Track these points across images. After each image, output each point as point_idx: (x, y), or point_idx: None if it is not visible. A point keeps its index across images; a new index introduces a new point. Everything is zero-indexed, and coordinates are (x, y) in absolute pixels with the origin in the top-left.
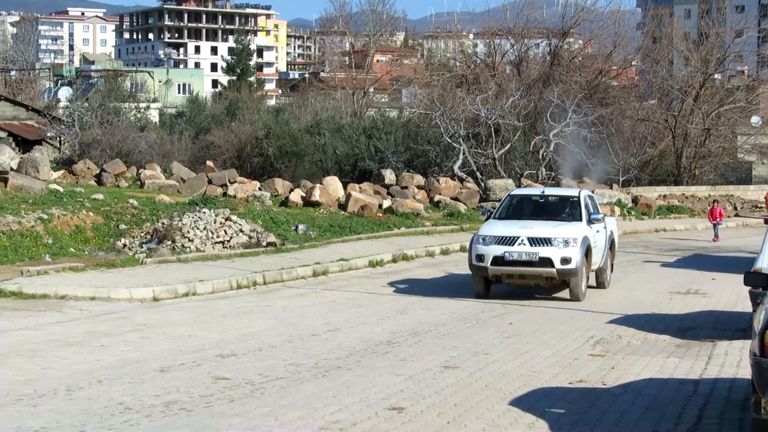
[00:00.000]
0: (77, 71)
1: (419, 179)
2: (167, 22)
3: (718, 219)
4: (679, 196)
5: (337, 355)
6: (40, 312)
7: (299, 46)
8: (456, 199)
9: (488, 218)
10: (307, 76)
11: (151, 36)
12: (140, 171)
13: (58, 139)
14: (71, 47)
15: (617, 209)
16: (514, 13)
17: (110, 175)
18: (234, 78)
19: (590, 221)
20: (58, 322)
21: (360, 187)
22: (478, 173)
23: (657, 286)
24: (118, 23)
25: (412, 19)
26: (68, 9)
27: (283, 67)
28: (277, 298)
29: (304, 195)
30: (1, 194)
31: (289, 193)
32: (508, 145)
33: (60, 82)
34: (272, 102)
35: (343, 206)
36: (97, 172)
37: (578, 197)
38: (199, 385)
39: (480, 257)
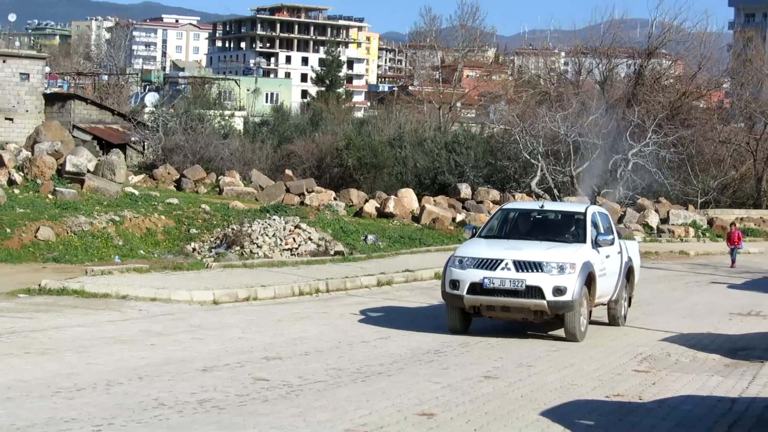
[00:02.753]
0: (165, 77)
1: (495, 194)
2: (259, 32)
3: (737, 243)
4: (757, 220)
5: (381, 361)
6: (99, 311)
7: (390, 59)
8: None
9: (472, 236)
10: (395, 89)
11: (243, 45)
12: (220, 178)
13: (141, 143)
14: (164, 54)
15: (691, 230)
16: (601, 32)
17: (190, 181)
18: (323, 89)
19: (596, 243)
20: (114, 321)
21: (434, 200)
22: (555, 190)
23: (718, 307)
24: (211, 31)
25: (505, 36)
26: (162, 16)
27: (373, 80)
28: (337, 305)
29: (378, 206)
30: (76, 195)
31: (364, 203)
32: (587, 163)
33: (148, 87)
34: (360, 114)
35: (416, 218)
36: (177, 177)
37: (584, 214)
38: (237, 385)
39: (454, 284)
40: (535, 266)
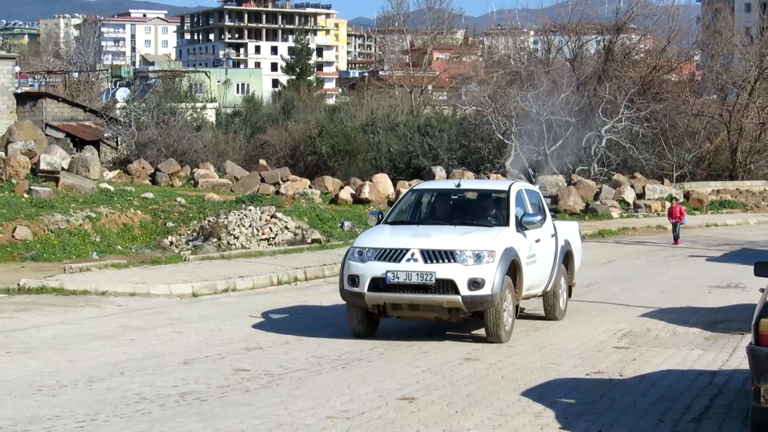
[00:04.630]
0: (135, 72)
1: (470, 176)
2: (227, 23)
3: (678, 218)
4: (733, 191)
5: (362, 347)
6: (79, 307)
7: (360, 45)
8: None
9: (378, 222)
10: (366, 74)
11: (211, 36)
12: (194, 170)
13: (115, 139)
14: (133, 49)
15: (668, 204)
16: (569, 9)
17: (164, 175)
18: (293, 77)
19: (521, 226)
20: (94, 317)
21: (410, 184)
22: (530, 170)
23: (697, 280)
24: (179, 24)
25: (473, 17)
26: (130, 11)
27: (343, 66)
28: (315, 293)
29: (353, 192)
30: (52, 193)
31: (339, 190)
32: (560, 141)
33: (118, 83)
34: (332, 101)
35: (392, 203)
36: (152, 171)
37: (507, 192)
38: (218, 377)
39: (353, 280)
40: (447, 255)
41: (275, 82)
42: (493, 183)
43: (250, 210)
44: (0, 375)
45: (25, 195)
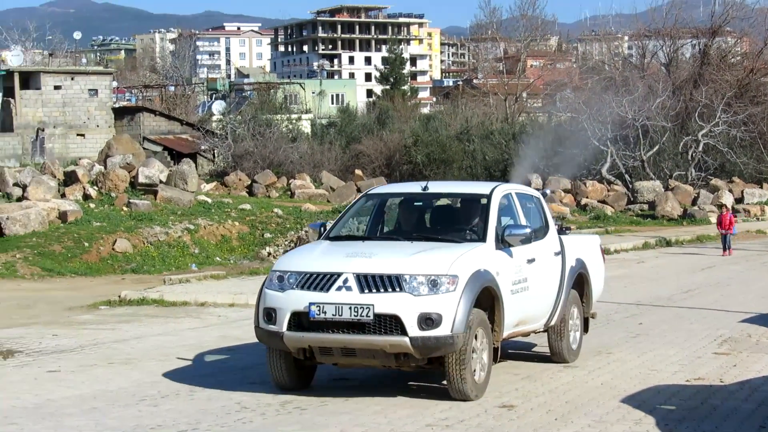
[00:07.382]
0: (231, 85)
1: (566, 183)
2: (321, 34)
3: (729, 228)
4: None
5: None
6: (179, 318)
7: (453, 54)
8: (603, 201)
9: (320, 237)
10: (460, 83)
11: (305, 48)
12: (291, 181)
13: (211, 151)
14: (228, 62)
15: (767, 209)
16: (663, 13)
17: (261, 186)
18: (387, 87)
19: (503, 241)
20: (194, 328)
21: None
22: (626, 175)
23: None
24: (273, 36)
25: (567, 23)
26: (224, 24)
27: (437, 75)
28: None
29: None
30: (150, 206)
31: None
32: (657, 147)
33: (214, 96)
34: (426, 110)
35: None
36: (249, 183)
37: (488, 197)
38: (318, 385)
39: (269, 314)
40: (391, 282)
41: (369, 92)
42: (473, 186)
43: None
44: (104, 386)
45: (125, 208)
